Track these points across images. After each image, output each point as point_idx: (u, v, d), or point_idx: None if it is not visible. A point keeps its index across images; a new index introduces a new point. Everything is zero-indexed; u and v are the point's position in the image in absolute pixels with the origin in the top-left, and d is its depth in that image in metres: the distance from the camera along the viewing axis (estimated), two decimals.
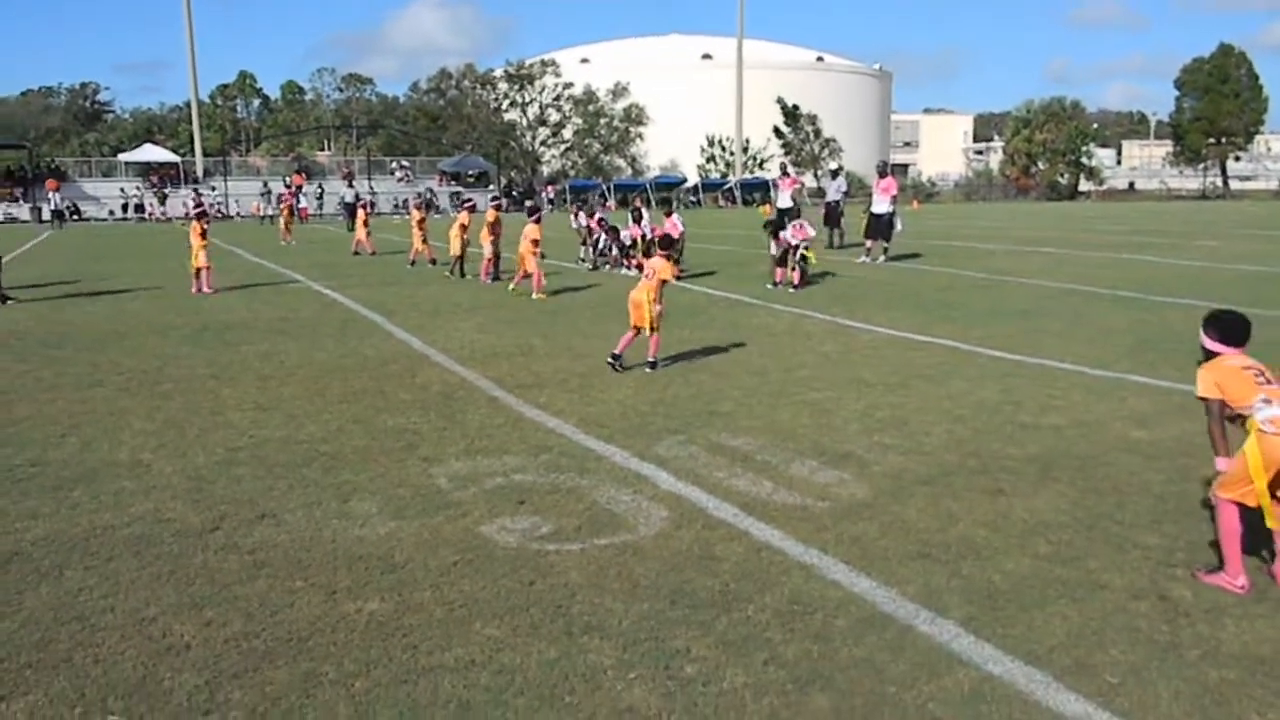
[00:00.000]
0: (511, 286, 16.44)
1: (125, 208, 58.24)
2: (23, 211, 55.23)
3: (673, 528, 5.32)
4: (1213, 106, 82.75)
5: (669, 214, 18.14)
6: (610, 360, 9.48)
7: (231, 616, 4.28)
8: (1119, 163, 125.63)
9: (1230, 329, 4.84)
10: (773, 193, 41.10)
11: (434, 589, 4.56)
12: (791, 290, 15.90)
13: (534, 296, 15.53)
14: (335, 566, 4.83)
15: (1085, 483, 6.02)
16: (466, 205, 20.52)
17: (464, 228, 18.90)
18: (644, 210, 19.95)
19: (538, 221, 16.23)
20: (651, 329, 9.48)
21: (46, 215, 49.86)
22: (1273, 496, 4.49)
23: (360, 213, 27.49)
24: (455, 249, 18.87)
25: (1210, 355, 4.85)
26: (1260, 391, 4.54)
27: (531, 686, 3.70)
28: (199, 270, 16.93)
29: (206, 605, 4.40)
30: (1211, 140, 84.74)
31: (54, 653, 3.98)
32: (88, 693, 3.68)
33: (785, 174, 28.46)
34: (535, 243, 15.79)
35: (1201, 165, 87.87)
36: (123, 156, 68.05)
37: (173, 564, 4.88)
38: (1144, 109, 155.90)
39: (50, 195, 49.23)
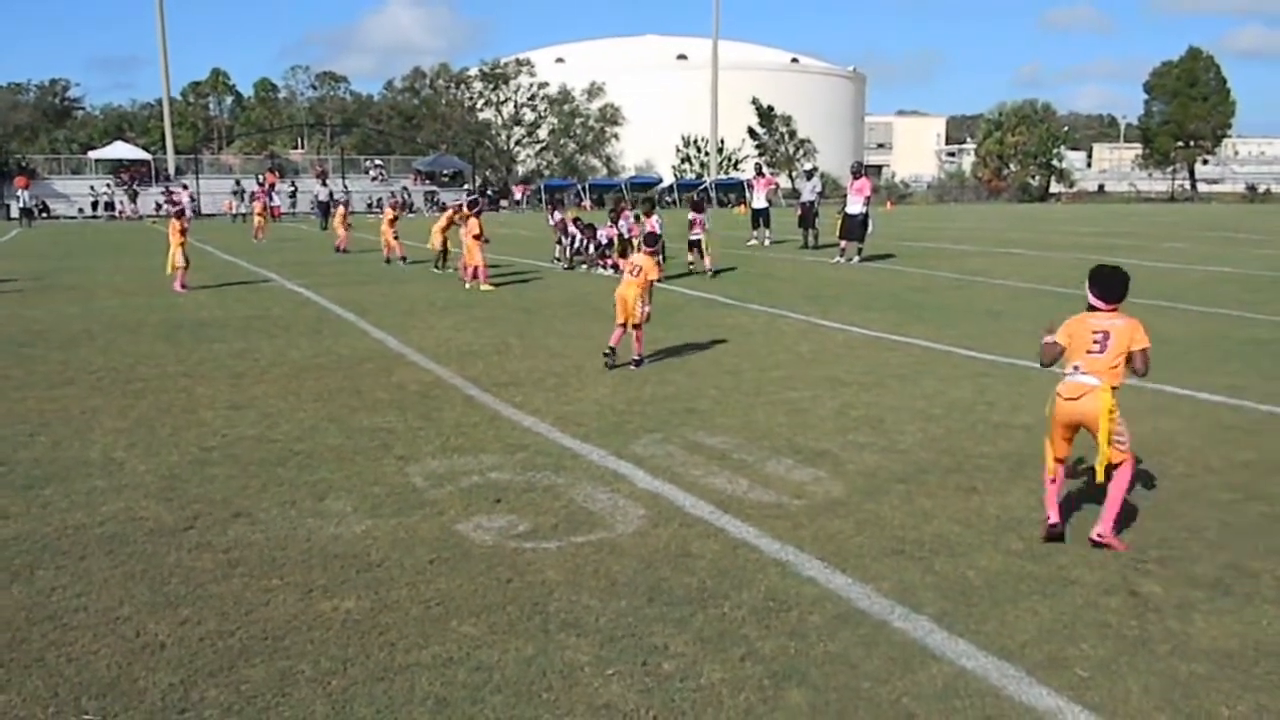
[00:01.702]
0: (468, 285, 16.95)
1: (95, 205, 57.58)
2: None
3: (650, 526, 5.33)
4: (1181, 110, 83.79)
5: (649, 213, 18.17)
6: (605, 355, 9.60)
7: (206, 615, 4.26)
8: (1089, 165, 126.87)
9: (1106, 285, 5.08)
10: (748, 193, 41.20)
11: (410, 587, 4.55)
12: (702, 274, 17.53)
13: (482, 287, 16.47)
14: (311, 565, 4.81)
15: None
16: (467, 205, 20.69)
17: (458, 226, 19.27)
18: (625, 211, 20.02)
19: (478, 215, 17.11)
20: (636, 326, 9.61)
21: (15, 213, 49.23)
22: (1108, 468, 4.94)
23: (340, 210, 27.62)
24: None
25: (1091, 308, 5.10)
26: (1079, 359, 4.98)
27: (509, 684, 3.70)
28: (177, 269, 16.82)
29: (181, 604, 4.37)
30: (1180, 143, 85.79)
31: (27, 652, 3.94)
32: (61, 692, 3.65)
33: (761, 174, 28.59)
34: (477, 236, 16.69)
35: (1170, 168, 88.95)
36: (93, 154, 67.22)
37: (146, 563, 4.84)
38: (1114, 112, 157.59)
39: (19, 193, 48.62)
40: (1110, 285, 5.07)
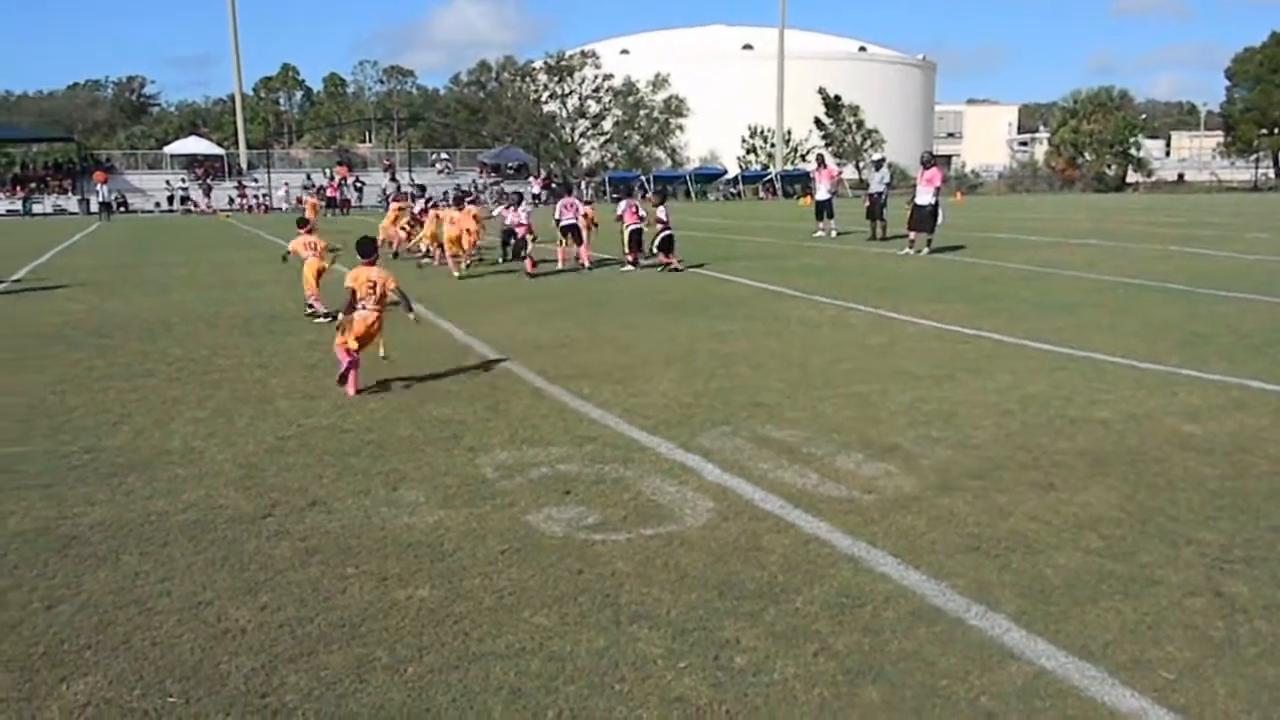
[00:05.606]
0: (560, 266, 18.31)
1: (171, 200, 59.09)
2: (71, 204, 56.31)
3: (719, 519, 5.31)
4: (1264, 96, 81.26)
5: (659, 204, 18.57)
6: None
7: (285, 602, 4.34)
8: (1168, 154, 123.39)
9: (363, 248, 8.63)
10: (812, 184, 40.89)
11: (483, 577, 4.59)
12: (629, 269, 17.99)
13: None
14: (385, 554, 4.88)
15: (1137, 477, 5.93)
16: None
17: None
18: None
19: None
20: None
21: (94, 207, 50.70)
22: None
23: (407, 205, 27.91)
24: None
25: (362, 264, 8.52)
26: (367, 299, 8.30)
27: (582, 674, 3.71)
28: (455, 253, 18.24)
29: (261, 590, 4.46)
30: (1263, 131, 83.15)
31: (113, 635, 4.05)
32: (146, 675, 3.74)
33: (823, 165, 28.34)
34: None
35: (1253, 156, 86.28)
36: (168, 149, 68.94)
37: (226, 550, 4.95)
38: (1193, 99, 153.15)
39: (98, 187, 50.01)
40: (365, 248, 8.62)
